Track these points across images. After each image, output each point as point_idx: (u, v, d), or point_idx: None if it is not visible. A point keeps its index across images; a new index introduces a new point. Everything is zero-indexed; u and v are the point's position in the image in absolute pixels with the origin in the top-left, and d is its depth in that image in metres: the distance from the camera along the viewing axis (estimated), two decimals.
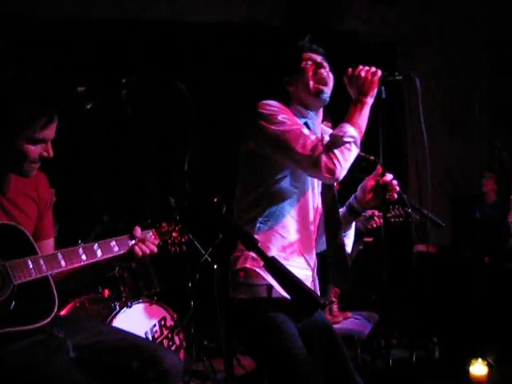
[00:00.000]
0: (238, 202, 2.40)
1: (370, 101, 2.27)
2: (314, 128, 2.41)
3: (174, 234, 2.40)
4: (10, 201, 2.12)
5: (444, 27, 6.00)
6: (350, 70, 2.32)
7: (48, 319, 1.97)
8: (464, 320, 4.40)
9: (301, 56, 2.41)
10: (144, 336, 3.65)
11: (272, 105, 2.31)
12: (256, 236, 2.15)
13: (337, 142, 2.20)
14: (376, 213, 3.84)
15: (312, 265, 2.40)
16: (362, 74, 2.27)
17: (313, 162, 2.18)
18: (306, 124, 2.36)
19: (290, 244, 2.33)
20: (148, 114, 4.80)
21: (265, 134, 2.26)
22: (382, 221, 3.80)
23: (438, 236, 5.02)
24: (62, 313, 3.61)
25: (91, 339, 2.13)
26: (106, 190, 5.15)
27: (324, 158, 2.17)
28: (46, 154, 2.05)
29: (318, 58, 2.42)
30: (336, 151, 2.19)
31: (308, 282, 2.37)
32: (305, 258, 2.37)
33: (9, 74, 2.03)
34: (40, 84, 2.03)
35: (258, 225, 2.31)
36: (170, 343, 3.82)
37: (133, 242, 2.21)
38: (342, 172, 2.20)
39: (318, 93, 2.37)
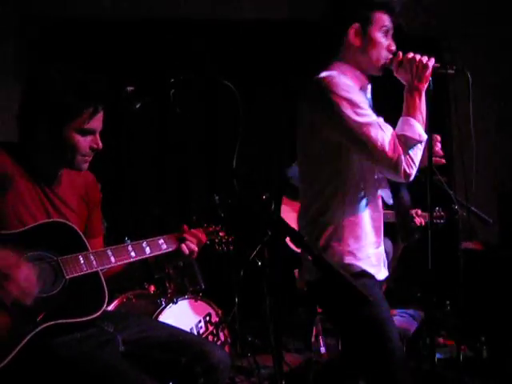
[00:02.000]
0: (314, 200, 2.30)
1: (425, 87, 2.18)
2: (370, 101, 2.32)
3: (220, 234, 2.43)
4: (60, 199, 2.17)
5: (493, 17, 5.84)
6: (400, 53, 2.21)
7: (98, 313, 2.02)
8: None
9: (372, 15, 2.22)
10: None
11: (344, 87, 2.14)
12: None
13: (410, 143, 2.14)
14: (419, 212, 3.79)
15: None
16: (418, 57, 2.16)
17: (394, 165, 2.11)
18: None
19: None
20: (196, 112, 4.85)
21: (340, 124, 2.14)
22: (422, 220, 3.77)
23: (486, 233, 4.92)
24: (109, 308, 3.68)
25: (140, 334, 2.18)
26: (152, 188, 5.23)
27: (404, 162, 2.11)
28: (95, 145, 2.11)
29: (390, 22, 2.25)
30: (412, 154, 2.13)
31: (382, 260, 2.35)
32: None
33: (55, 69, 2.08)
34: (85, 77, 2.08)
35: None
36: (215, 339, 3.84)
37: (180, 239, 2.25)
38: (414, 173, 2.16)
39: (385, 69, 2.26)
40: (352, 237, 2.24)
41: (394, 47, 2.25)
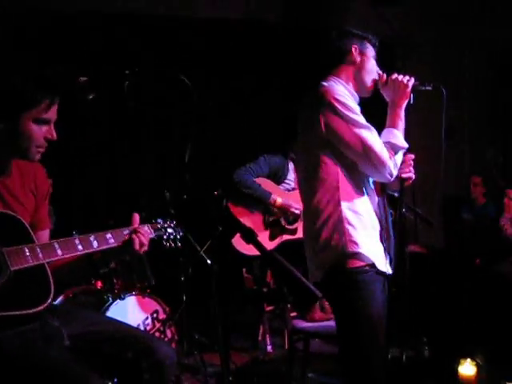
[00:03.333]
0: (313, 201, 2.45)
1: (405, 103, 2.49)
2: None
3: (169, 230, 2.41)
4: (8, 190, 2.13)
5: (443, 28, 6.02)
6: (384, 76, 2.53)
7: (43, 306, 1.99)
8: (453, 320, 4.43)
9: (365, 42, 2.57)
10: None
11: (344, 99, 2.38)
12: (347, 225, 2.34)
13: (395, 149, 2.42)
14: None
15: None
16: (400, 78, 2.49)
17: (384, 166, 2.36)
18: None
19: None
20: (149, 105, 4.80)
21: (343, 135, 2.36)
22: None
23: (431, 238, 5.06)
24: (55, 303, 3.62)
25: (86, 328, 2.15)
26: (103, 181, 5.16)
27: (390, 164, 2.37)
28: (50, 136, 2.08)
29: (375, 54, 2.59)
30: (397, 159, 2.42)
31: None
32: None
33: (12, 60, 2.05)
34: (42, 68, 2.06)
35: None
36: (162, 336, 3.82)
37: (129, 233, 2.22)
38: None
39: (373, 91, 2.56)
40: (353, 228, 2.38)
41: (380, 72, 2.57)
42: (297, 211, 4.23)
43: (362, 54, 2.53)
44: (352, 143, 2.35)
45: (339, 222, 2.38)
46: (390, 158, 2.37)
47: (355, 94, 2.53)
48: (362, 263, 2.36)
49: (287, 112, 4.92)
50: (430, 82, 2.52)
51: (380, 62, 2.60)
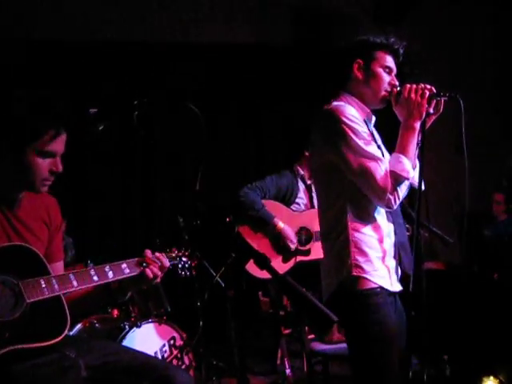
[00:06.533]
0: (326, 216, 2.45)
1: (419, 124, 2.34)
2: (372, 130, 2.48)
3: (183, 259, 2.42)
4: (21, 222, 2.14)
5: (451, 46, 6.04)
6: (395, 90, 2.41)
7: (60, 337, 1.99)
8: (475, 337, 4.37)
9: (374, 54, 2.45)
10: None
11: (349, 117, 2.32)
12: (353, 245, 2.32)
13: (398, 180, 2.31)
14: None
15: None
16: (412, 96, 2.32)
17: (382, 197, 2.29)
18: (366, 123, 2.44)
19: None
20: (159, 134, 4.85)
21: (347, 158, 2.32)
22: None
23: (448, 254, 5.00)
24: (72, 333, 3.62)
25: (102, 359, 2.14)
26: (117, 211, 5.19)
27: (391, 196, 2.29)
28: (55, 168, 2.08)
29: (392, 63, 2.47)
30: (399, 190, 2.31)
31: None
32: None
33: (18, 92, 2.07)
34: (47, 100, 2.07)
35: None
36: (180, 363, 3.80)
37: (144, 264, 2.23)
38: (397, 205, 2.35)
39: (385, 101, 2.45)
40: (358, 251, 2.35)
41: (396, 82, 2.44)
42: (291, 245, 4.14)
43: (366, 67, 2.44)
44: (355, 171, 2.31)
45: (346, 245, 2.36)
46: (392, 191, 2.29)
47: (365, 107, 2.48)
48: (373, 285, 2.35)
49: (293, 130, 4.96)
50: (446, 91, 2.35)
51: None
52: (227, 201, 4.33)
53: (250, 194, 4.20)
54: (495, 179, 6.21)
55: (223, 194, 4.85)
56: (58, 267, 2.28)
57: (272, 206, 4.25)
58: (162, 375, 2.12)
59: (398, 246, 2.47)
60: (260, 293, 4.66)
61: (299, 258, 4.29)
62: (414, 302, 2.32)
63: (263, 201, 4.24)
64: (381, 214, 2.43)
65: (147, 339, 3.73)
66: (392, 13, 5.82)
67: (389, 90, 2.43)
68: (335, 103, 2.43)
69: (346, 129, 2.31)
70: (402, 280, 2.49)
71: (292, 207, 4.35)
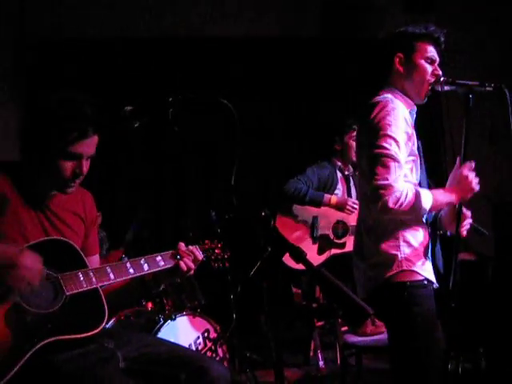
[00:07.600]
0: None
1: (458, 200, 2.35)
2: (412, 122, 2.44)
3: (216, 251, 2.45)
4: (57, 217, 2.19)
5: (482, 34, 5.92)
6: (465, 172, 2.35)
7: (98, 329, 2.04)
8: (510, 330, 4.31)
9: (415, 45, 2.42)
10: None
11: (392, 118, 2.29)
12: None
13: (414, 207, 2.25)
14: None
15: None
16: (470, 179, 2.33)
17: (377, 202, 2.23)
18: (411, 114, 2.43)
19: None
20: (194, 130, 4.87)
21: (371, 144, 2.29)
22: None
23: (481, 245, 4.94)
24: (108, 326, 3.67)
25: (139, 351, 2.18)
26: (150, 206, 5.24)
27: (390, 197, 2.21)
28: (78, 170, 2.09)
29: (434, 52, 2.43)
30: (405, 204, 2.22)
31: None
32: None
33: (45, 92, 2.10)
34: (73, 101, 2.08)
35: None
36: (214, 355, 3.83)
37: (178, 257, 2.27)
38: (394, 211, 2.25)
39: (427, 95, 2.45)
40: (407, 245, 2.36)
41: (439, 72, 2.41)
42: (355, 205, 4.22)
43: (408, 61, 2.42)
44: (370, 165, 2.29)
45: (394, 238, 2.36)
46: (397, 201, 2.21)
47: (409, 100, 2.46)
48: (420, 277, 2.36)
49: (327, 122, 4.94)
50: (490, 83, 2.32)
51: None
52: (261, 194, 4.38)
53: (298, 185, 4.32)
54: None
55: (257, 188, 4.88)
56: (95, 260, 2.32)
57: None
58: (198, 367, 2.14)
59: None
60: (292, 285, 4.68)
61: (334, 251, 4.31)
62: (454, 294, 2.30)
63: None
64: None
65: (181, 332, 3.77)
66: (422, 1, 5.74)
67: (432, 81, 2.41)
68: (381, 97, 2.39)
69: (384, 123, 2.29)
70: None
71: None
